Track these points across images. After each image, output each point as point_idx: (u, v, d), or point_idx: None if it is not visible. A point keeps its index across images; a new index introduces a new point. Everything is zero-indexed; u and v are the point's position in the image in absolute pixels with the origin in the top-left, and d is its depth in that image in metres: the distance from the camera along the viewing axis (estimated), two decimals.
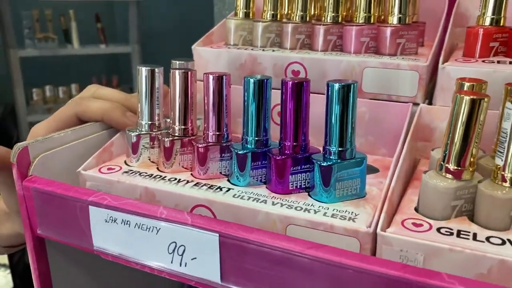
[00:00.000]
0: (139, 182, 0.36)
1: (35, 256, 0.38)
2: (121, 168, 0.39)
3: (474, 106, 0.28)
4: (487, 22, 0.41)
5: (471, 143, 0.29)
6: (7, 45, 2.27)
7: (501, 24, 0.41)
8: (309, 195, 0.34)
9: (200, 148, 0.37)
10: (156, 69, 0.39)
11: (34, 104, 2.52)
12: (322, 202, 0.32)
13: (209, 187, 0.35)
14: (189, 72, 0.38)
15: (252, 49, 0.46)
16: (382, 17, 0.47)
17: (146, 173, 0.38)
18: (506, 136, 0.28)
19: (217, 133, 0.37)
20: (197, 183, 0.36)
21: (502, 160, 0.28)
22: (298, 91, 0.33)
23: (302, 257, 0.26)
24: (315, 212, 0.31)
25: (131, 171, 0.38)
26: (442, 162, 0.30)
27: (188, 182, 0.36)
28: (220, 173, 0.37)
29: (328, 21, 0.46)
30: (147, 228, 0.31)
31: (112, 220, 0.33)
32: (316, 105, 0.36)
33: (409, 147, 0.35)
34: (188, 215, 0.30)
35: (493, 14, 0.41)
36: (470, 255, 0.26)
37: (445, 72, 0.39)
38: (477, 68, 0.38)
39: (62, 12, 2.48)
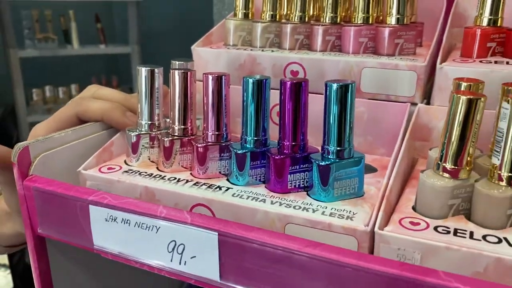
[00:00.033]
0: (139, 182, 0.36)
1: (35, 255, 0.38)
2: (121, 167, 0.39)
3: (471, 106, 0.28)
4: (485, 22, 0.41)
5: (468, 142, 0.29)
6: (7, 45, 2.27)
7: (498, 25, 0.41)
8: (307, 194, 0.34)
9: (199, 148, 0.37)
10: (155, 69, 0.39)
11: (34, 104, 2.52)
12: (321, 201, 0.33)
13: (209, 187, 0.35)
14: (188, 72, 0.38)
15: (251, 50, 0.47)
16: (381, 18, 0.47)
17: (146, 172, 0.38)
18: (502, 136, 0.28)
19: (216, 133, 0.37)
20: (197, 182, 0.36)
21: (498, 160, 0.29)
22: (297, 91, 0.33)
23: (300, 255, 0.27)
24: (314, 211, 0.31)
25: (131, 171, 0.39)
26: (439, 161, 0.30)
27: (187, 181, 0.36)
28: (219, 172, 0.37)
29: (327, 21, 0.46)
30: (147, 227, 0.32)
31: (112, 219, 0.33)
32: (315, 105, 0.37)
33: (407, 146, 0.35)
34: (187, 214, 0.30)
35: (490, 14, 0.41)
36: (466, 253, 0.26)
37: (443, 72, 0.39)
38: (474, 68, 0.38)
39: (62, 13, 2.49)
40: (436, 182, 0.30)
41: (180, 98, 0.38)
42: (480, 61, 0.40)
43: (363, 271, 0.25)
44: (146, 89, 0.40)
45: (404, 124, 0.38)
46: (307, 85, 0.33)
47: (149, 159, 0.40)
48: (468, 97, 0.28)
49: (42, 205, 0.36)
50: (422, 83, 0.40)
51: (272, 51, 0.46)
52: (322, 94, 0.33)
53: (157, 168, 0.39)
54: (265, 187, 0.35)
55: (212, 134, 0.37)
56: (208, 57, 0.48)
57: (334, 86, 0.32)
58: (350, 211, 0.31)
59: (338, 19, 0.46)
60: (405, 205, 0.32)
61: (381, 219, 0.29)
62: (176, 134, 0.39)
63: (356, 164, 0.33)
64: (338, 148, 0.33)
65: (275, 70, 0.45)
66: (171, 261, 0.31)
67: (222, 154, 0.37)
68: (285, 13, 0.49)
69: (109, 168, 0.39)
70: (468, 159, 0.30)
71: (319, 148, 0.34)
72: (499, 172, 0.29)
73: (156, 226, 0.31)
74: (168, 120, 0.40)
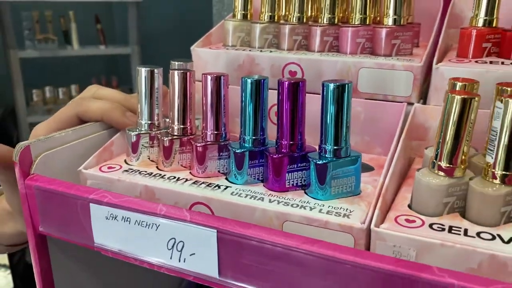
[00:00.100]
0: (139, 181, 0.37)
1: (37, 254, 0.39)
2: (121, 167, 0.40)
3: (465, 105, 0.29)
4: (480, 23, 0.42)
5: (463, 141, 0.30)
6: (7, 46, 2.28)
7: (494, 25, 0.42)
8: (305, 192, 0.34)
9: (198, 147, 0.37)
10: (155, 70, 0.40)
11: (34, 105, 2.52)
12: (318, 199, 0.33)
13: (208, 185, 0.36)
14: (188, 73, 0.38)
15: (250, 50, 0.47)
16: (378, 19, 0.48)
17: (145, 171, 0.39)
18: (496, 135, 0.29)
19: (215, 132, 0.38)
20: (196, 181, 0.37)
21: (492, 158, 0.29)
22: (294, 91, 0.33)
23: (297, 252, 0.27)
24: (311, 209, 0.32)
25: (131, 170, 0.39)
26: (434, 160, 0.31)
27: (187, 180, 0.37)
28: (218, 171, 0.38)
29: (325, 22, 0.47)
30: (146, 224, 0.32)
31: (113, 217, 0.33)
32: (313, 105, 0.37)
33: (403, 146, 0.36)
34: (187, 212, 0.31)
35: (485, 15, 0.42)
36: (460, 250, 0.27)
37: (439, 72, 0.39)
38: (470, 68, 0.38)
39: (62, 13, 2.49)
40: (431, 180, 0.30)
41: (179, 98, 0.39)
42: (476, 61, 0.40)
43: (359, 267, 0.25)
44: (146, 89, 0.40)
45: (401, 124, 0.38)
46: (305, 85, 0.34)
47: (149, 158, 0.41)
48: (462, 96, 0.29)
49: (43, 204, 0.37)
50: (419, 83, 0.40)
51: (271, 51, 0.47)
52: (319, 94, 0.33)
53: (157, 167, 0.40)
54: (264, 185, 0.36)
55: (211, 133, 0.38)
56: (207, 57, 0.48)
57: (331, 86, 0.32)
58: (347, 209, 0.32)
59: (336, 20, 0.47)
60: (401, 203, 0.32)
61: (377, 217, 0.29)
62: (175, 133, 0.39)
63: (353, 163, 0.34)
64: (335, 147, 0.33)
65: (274, 71, 0.45)
66: (171, 258, 0.32)
67: (221, 153, 0.38)
68: (283, 14, 0.50)
69: (109, 167, 0.40)
70: (463, 157, 0.30)
71: (317, 147, 0.35)
72: (493, 170, 0.29)
73: (156, 224, 0.32)
74: (167, 120, 0.41)
